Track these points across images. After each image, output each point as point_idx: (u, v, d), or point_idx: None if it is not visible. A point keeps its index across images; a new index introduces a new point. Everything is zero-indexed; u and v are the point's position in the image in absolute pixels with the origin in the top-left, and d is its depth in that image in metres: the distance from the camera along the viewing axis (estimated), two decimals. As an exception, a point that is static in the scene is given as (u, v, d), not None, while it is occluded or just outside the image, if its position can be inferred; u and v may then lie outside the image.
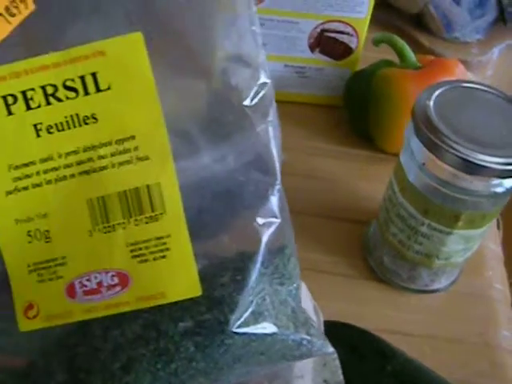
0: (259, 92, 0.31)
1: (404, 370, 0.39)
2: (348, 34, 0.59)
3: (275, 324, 0.31)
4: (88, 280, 0.30)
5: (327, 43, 0.60)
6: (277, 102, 0.51)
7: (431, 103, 0.41)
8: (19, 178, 0.29)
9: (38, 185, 0.29)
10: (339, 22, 0.58)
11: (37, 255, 0.29)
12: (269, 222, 0.31)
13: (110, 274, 0.30)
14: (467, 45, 0.77)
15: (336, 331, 0.41)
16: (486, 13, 0.74)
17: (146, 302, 0.30)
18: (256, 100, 0.31)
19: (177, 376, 0.30)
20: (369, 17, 0.58)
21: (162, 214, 0.29)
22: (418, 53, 0.60)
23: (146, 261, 0.30)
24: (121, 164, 0.29)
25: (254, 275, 0.31)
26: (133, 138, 0.29)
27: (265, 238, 0.31)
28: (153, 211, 0.29)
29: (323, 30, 0.59)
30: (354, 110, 0.62)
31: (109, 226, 0.29)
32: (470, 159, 0.38)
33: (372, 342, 0.41)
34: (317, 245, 0.53)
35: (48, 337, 0.30)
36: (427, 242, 0.45)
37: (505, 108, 0.42)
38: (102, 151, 0.29)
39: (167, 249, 0.30)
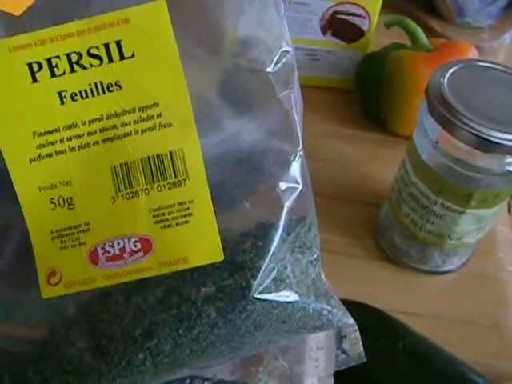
0: (281, 59, 0.31)
1: (417, 347, 0.39)
2: (360, 16, 0.59)
3: (296, 292, 0.31)
4: (111, 246, 0.30)
5: (339, 25, 0.60)
6: None
7: (445, 81, 0.41)
8: (43, 145, 0.29)
9: (62, 152, 0.29)
10: (352, 3, 0.58)
11: (60, 222, 0.30)
12: (291, 188, 0.31)
13: (132, 240, 0.30)
14: (479, 30, 0.76)
15: (348, 310, 0.41)
16: (498, -3, 0.73)
17: (169, 267, 0.30)
18: (278, 66, 0.31)
19: (198, 342, 0.30)
20: (381, -1, 0.57)
21: (185, 179, 0.30)
22: (430, 38, 0.60)
23: (168, 226, 0.30)
24: (144, 131, 0.29)
25: (275, 242, 0.31)
26: (156, 105, 0.29)
27: (287, 204, 0.31)
28: (176, 177, 0.30)
29: (335, 12, 0.59)
30: (365, 92, 0.61)
31: (132, 192, 0.30)
32: (484, 136, 0.38)
33: (384, 321, 0.41)
34: (328, 226, 0.53)
35: (70, 305, 0.30)
36: (439, 221, 0.45)
37: (518, 85, 0.42)
38: (125, 118, 0.29)
39: (190, 214, 0.30)
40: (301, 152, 0.32)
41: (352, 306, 0.41)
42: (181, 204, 0.30)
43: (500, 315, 0.49)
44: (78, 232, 0.30)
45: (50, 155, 0.29)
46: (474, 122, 0.39)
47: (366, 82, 0.61)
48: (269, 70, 0.31)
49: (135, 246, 0.30)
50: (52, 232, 0.30)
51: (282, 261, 0.31)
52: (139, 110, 0.29)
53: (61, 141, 0.29)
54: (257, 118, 0.31)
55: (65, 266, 0.30)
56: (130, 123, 0.29)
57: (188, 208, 0.30)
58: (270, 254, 0.30)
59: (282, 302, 0.31)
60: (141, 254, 0.30)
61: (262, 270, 0.30)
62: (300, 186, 0.32)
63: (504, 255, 0.54)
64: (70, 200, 0.30)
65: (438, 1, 0.75)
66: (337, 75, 0.64)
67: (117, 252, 0.30)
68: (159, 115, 0.29)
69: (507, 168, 0.40)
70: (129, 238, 0.30)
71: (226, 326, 0.30)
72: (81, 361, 0.29)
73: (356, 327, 0.34)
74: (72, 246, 0.30)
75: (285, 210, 0.31)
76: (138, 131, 0.29)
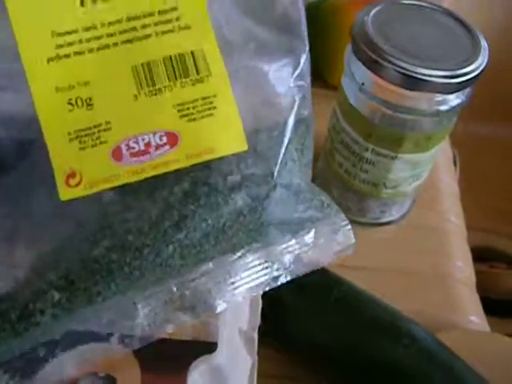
0: None
1: (348, 296, 0.38)
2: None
3: (303, 181, 0.34)
4: (135, 142, 0.30)
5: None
6: None
7: (369, 19, 0.39)
8: (61, 46, 0.29)
9: (81, 53, 0.29)
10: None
11: (78, 122, 0.29)
12: (300, 85, 0.34)
13: (158, 135, 0.30)
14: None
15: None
16: None
17: (196, 158, 0.30)
18: None
19: (224, 232, 0.31)
20: None
21: (207, 76, 0.31)
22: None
23: (193, 119, 0.30)
24: (164, 33, 0.30)
25: (288, 134, 0.33)
26: (175, 9, 0.30)
27: (297, 98, 0.34)
28: (198, 74, 0.31)
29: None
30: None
31: (155, 90, 0.30)
32: (410, 74, 0.37)
33: (315, 270, 0.39)
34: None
35: (92, 206, 0.29)
36: (372, 168, 0.43)
37: (446, 23, 0.41)
38: (145, 21, 0.30)
39: (214, 107, 0.31)
40: (307, 52, 0.35)
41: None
42: (204, 99, 0.31)
43: (442, 265, 0.48)
44: (98, 131, 0.29)
45: (68, 56, 0.29)
46: (399, 60, 0.37)
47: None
48: None
49: (161, 140, 0.30)
50: (70, 133, 0.29)
51: (291, 154, 0.33)
52: (158, 14, 0.30)
53: (79, 42, 0.29)
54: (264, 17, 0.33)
55: (85, 167, 0.29)
56: (149, 25, 0.30)
57: (212, 102, 0.31)
58: (286, 143, 0.33)
59: (293, 187, 0.33)
60: (167, 147, 0.30)
61: (280, 159, 0.32)
62: (307, 84, 0.35)
63: (448, 206, 0.53)
64: (88, 100, 0.29)
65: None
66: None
67: (142, 147, 0.30)
68: (178, 18, 0.30)
69: (436, 107, 0.39)
70: (154, 133, 0.30)
71: (250, 214, 0.31)
72: (108, 258, 0.29)
73: (347, 222, 0.36)
74: (93, 146, 0.29)
75: (295, 108, 0.33)
76: (158, 33, 0.30)
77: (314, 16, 0.56)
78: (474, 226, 0.58)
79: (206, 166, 0.31)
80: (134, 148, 0.30)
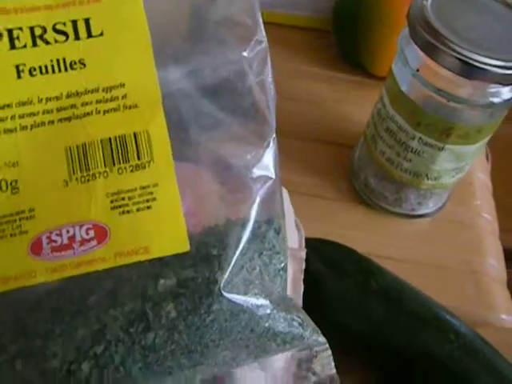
0: (255, 47, 0.30)
1: (390, 287, 0.37)
2: None
3: (266, 297, 0.28)
4: (58, 235, 0.26)
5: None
6: (267, 23, 0.48)
7: (428, 3, 0.38)
8: None
9: (12, 130, 0.27)
10: None
11: (0, 208, 0.26)
12: (263, 177, 0.29)
13: (85, 228, 0.27)
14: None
15: (316, 246, 0.39)
16: None
17: (126, 257, 0.27)
18: (252, 53, 0.30)
19: (155, 350, 0.26)
20: None
21: (149, 161, 0.27)
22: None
23: (128, 212, 0.27)
24: (107, 111, 0.27)
25: (245, 236, 0.28)
26: (122, 85, 0.28)
27: (259, 196, 0.29)
28: (139, 159, 0.27)
29: None
30: (342, 32, 0.58)
31: (88, 175, 0.27)
32: (469, 61, 0.36)
33: (356, 258, 0.38)
34: (302, 168, 0.51)
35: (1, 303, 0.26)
36: (417, 158, 0.42)
37: (505, 14, 0.40)
38: (87, 98, 0.27)
39: (153, 199, 0.27)
40: (274, 140, 0.30)
41: (320, 243, 0.38)
42: (144, 188, 0.27)
43: (475, 261, 0.48)
44: (20, 219, 0.26)
45: None
46: (459, 46, 0.36)
47: (342, 21, 0.57)
48: (244, 54, 0.30)
49: (87, 234, 0.26)
50: None
51: (251, 261, 0.28)
52: (103, 90, 0.27)
53: (12, 118, 0.27)
54: (230, 104, 0.30)
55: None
56: (91, 103, 0.27)
57: (151, 192, 0.27)
58: (240, 248, 0.28)
59: (250, 306, 0.27)
60: (94, 242, 0.26)
61: (231, 264, 0.27)
62: (273, 176, 0.29)
63: (481, 202, 0.53)
64: (14, 183, 0.26)
65: None
66: (313, 14, 0.61)
67: (65, 241, 0.26)
68: (124, 96, 0.28)
69: (491, 99, 0.38)
70: (80, 226, 0.26)
71: (187, 330, 0.26)
72: (12, 369, 0.25)
73: (327, 346, 0.30)
74: (11, 235, 0.26)
75: (257, 201, 0.28)
76: (99, 111, 0.27)
77: (357, 4, 0.55)
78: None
79: (136, 264, 0.27)
80: (55, 241, 0.26)
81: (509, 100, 0.39)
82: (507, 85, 0.37)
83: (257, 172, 0.29)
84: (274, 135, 0.30)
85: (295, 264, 0.35)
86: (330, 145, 0.53)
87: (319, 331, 0.30)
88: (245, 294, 0.27)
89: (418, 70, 0.39)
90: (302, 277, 0.35)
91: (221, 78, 0.30)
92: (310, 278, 0.36)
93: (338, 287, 0.37)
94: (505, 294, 0.47)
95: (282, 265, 0.30)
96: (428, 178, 0.44)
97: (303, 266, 0.36)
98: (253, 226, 0.28)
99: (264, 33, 0.30)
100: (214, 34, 0.30)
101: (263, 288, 0.28)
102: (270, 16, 0.60)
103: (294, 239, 0.36)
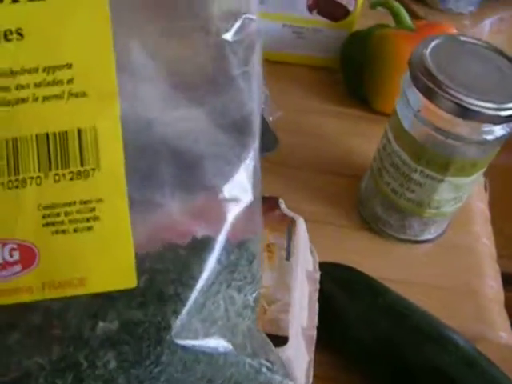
0: (243, 28, 0.25)
1: (395, 304, 0.41)
2: (346, -5, 0.60)
3: (230, 341, 0.24)
4: None
5: (326, 4, 0.61)
6: (274, 62, 0.52)
7: (427, 52, 0.43)
8: None
9: None
10: (338, -18, 0.59)
11: None
12: (238, 198, 0.25)
13: (8, 247, 0.22)
14: (460, 16, 0.78)
15: (329, 269, 0.43)
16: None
17: (57, 290, 0.22)
18: (238, 36, 0.25)
19: None
20: (368, -22, 0.59)
21: (93, 169, 0.22)
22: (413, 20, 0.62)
23: (63, 232, 0.22)
24: (47, 98, 0.22)
25: (209, 267, 0.23)
26: (68, 66, 0.22)
27: (230, 218, 0.24)
28: (82, 165, 0.22)
29: (322, -9, 0.60)
30: (349, 71, 0.63)
31: (17, 180, 0.22)
32: (464, 104, 0.40)
33: (364, 279, 0.43)
34: (312, 198, 0.55)
35: None
36: (419, 189, 0.47)
37: (497, 60, 0.44)
38: (23, 79, 0.22)
39: (95, 218, 0.22)
40: (255, 151, 0.25)
41: (332, 267, 0.43)
42: (85, 203, 0.22)
43: (475, 283, 0.52)
44: None
45: None
46: (455, 91, 0.41)
47: (350, 60, 0.62)
48: (226, 37, 0.24)
49: (11, 256, 0.22)
50: None
51: (215, 296, 0.24)
52: (44, 71, 0.22)
53: None
54: (203, 100, 0.25)
55: None
56: (28, 86, 0.22)
57: (94, 209, 0.22)
58: (202, 283, 0.23)
59: (210, 352, 0.23)
60: (18, 267, 0.22)
61: (188, 305, 0.22)
62: (249, 197, 0.25)
63: (480, 228, 0.57)
64: None
65: (422, -14, 0.77)
66: (322, 53, 0.65)
67: None
68: (70, 81, 0.22)
69: (484, 136, 0.42)
70: (3, 244, 0.22)
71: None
72: None
73: None
74: None
75: (226, 225, 0.24)
76: (37, 98, 0.22)
77: (363, 44, 0.59)
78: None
79: (68, 299, 0.22)
80: None
81: (501, 137, 0.43)
82: (499, 124, 0.42)
83: (230, 191, 0.24)
84: (256, 144, 0.25)
85: (311, 285, 0.39)
86: (338, 176, 0.57)
87: (290, 374, 0.27)
88: (204, 337, 0.23)
89: (418, 111, 0.43)
90: (317, 296, 0.40)
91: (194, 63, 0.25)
92: (324, 298, 0.40)
93: (348, 305, 0.41)
94: (502, 313, 0.51)
95: (254, 295, 0.26)
96: (430, 207, 0.48)
97: (318, 287, 0.40)
98: (220, 253, 0.24)
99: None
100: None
101: (227, 328, 0.24)
102: (281, 56, 0.65)
103: (309, 262, 0.40)
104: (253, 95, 0.25)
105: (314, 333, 0.37)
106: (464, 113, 0.41)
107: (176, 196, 0.24)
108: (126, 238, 0.23)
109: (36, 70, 0.22)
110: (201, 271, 0.23)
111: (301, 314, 0.37)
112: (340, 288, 0.42)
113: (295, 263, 0.36)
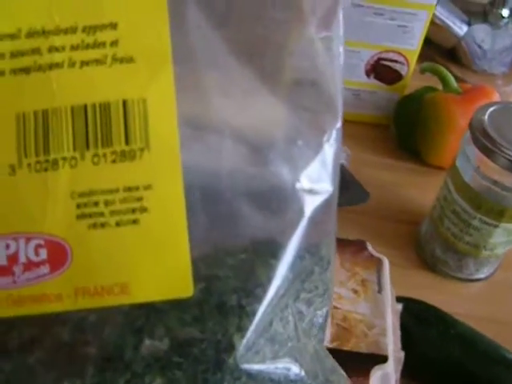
0: None
1: (465, 334, 0.48)
2: (400, 62, 0.69)
3: (301, 366, 0.20)
4: None
5: (382, 70, 0.70)
6: None
7: (486, 117, 0.51)
8: None
9: None
10: (394, 52, 0.68)
11: None
12: (317, 190, 0.21)
13: (33, 243, 0.18)
14: (493, 76, 0.87)
15: (405, 303, 0.50)
16: (511, 49, 0.84)
17: (93, 298, 0.18)
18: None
19: None
20: (419, 48, 0.67)
21: (142, 149, 0.18)
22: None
23: (102, 226, 0.18)
24: (85, 63, 0.19)
25: (280, 274, 0.19)
26: (113, 26, 0.19)
27: (308, 213, 0.20)
28: (127, 143, 0.18)
29: (380, 59, 0.69)
30: (402, 127, 0.71)
31: (47, 161, 0.18)
32: (518, 161, 0.48)
33: (437, 312, 0.49)
34: (375, 242, 0.62)
35: None
36: (477, 234, 0.54)
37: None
38: (57, 40, 0.19)
39: (143, 208, 0.18)
40: (338, 134, 0.22)
41: (409, 301, 0.49)
42: (130, 190, 0.18)
43: (525, 317, 0.58)
44: None
45: None
46: (509, 150, 0.48)
47: (403, 119, 0.70)
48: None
49: (36, 255, 0.18)
50: None
51: (283, 311, 0.20)
52: (83, 31, 0.19)
53: None
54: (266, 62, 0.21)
55: None
56: (63, 49, 0.19)
57: (141, 198, 0.18)
58: (272, 293, 0.19)
59: (278, 381, 0.19)
60: (45, 269, 0.18)
61: (256, 320, 0.18)
62: (330, 189, 0.21)
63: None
64: None
65: (459, 50, 0.86)
66: (376, 112, 0.74)
67: (2, 262, 0.18)
68: (115, 43, 0.19)
69: (535, 189, 0.50)
70: (27, 239, 0.18)
71: None
72: None
73: None
74: None
75: (304, 222, 0.20)
76: (74, 63, 0.19)
77: (415, 105, 0.68)
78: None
79: (106, 309, 0.18)
80: None
81: (549, 189, 0.50)
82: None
83: (306, 180, 0.21)
84: (339, 125, 0.22)
85: (394, 315, 0.46)
86: (396, 222, 0.65)
87: None
88: (271, 361, 0.19)
89: (478, 167, 0.51)
90: (399, 325, 0.46)
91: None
92: (401, 328, 0.47)
93: (423, 334, 0.48)
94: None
95: (324, 311, 0.22)
96: (485, 249, 0.55)
97: (399, 317, 0.47)
98: (294, 258, 0.20)
99: None
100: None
101: (297, 352, 0.20)
102: (340, 115, 0.73)
103: (392, 296, 0.47)
104: (335, 58, 0.22)
105: (402, 355, 0.43)
106: (517, 169, 0.48)
107: (241, 184, 0.19)
108: (181, 235, 0.18)
109: (74, 29, 0.18)
110: (270, 279, 0.19)
111: (392, 339, 0.43)
112: (414, 319, 0.49)
113: (386, 296, 0.43)
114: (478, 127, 0.50)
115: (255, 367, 0.18)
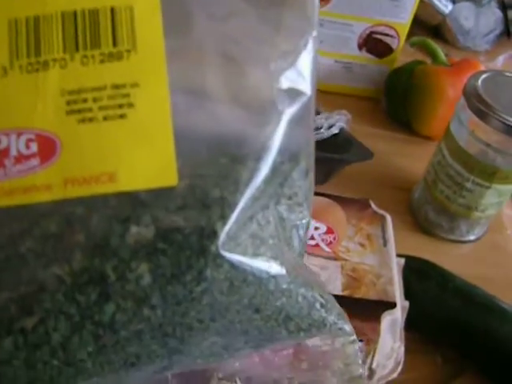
0: None
1: (463, 287, 0.51)
2: (391, 36, 0.71)
3: (282, 264, 0.20)
4: None
5: (373, 43, 0.72)
6: (325, 92, 0.61)
7: (479, 83, 0.53)
8: None
9: None
10: (386, 25, 0.70)
11: None
12: (295, 91, 0.21)
13: (23, 137, 0.18)
14: (477, 53, 0.90)
15: (405, 260, 0.52)
16: (494, 27, 0.87)
17: (82, 187, 0.18)
18: None
19: (113, 329, 0.17)
20: (410, 22, 0.70)
21: (129, 51, 0.19)
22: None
23: (90, 120, 0.19)
24: None
25: (261, 172, 0.20)
26: None
27: (286, 114, 0.20)
28: (115, 45, 0.19)
29: (372, 32, 0.71)
30: (393, 99, 0.74)
31: (38, 62, 0.19)
32: (510, 123, 0.51)
33: (435, 267, 0.52)
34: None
35: None
36: (470, 195, 0.57)
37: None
38: None
39: (130, 104, 0.19)
40: (315, 40, 0.22)
41: (409, 258, 0.52)
42: (117, 87, 0.19)
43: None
44: None
45: None
46: (503, 113, 0.51)
47: (394, 91, 0.73)
48: None
49: (27, 148, 0.19)
50: None
51: (264, 210, 0.20)
52: None
53: None
54: None
55: None
56: None
57: (128, 94, 0.19)
58: (251, 189, 0.20)
59: (259, 275, 0.20)
60: (35, 161, 0.19)
61: (236, 211, 0.19)
62: (309, 93, 0.22)
63: (511, 232, 0.67)
64: None
65: (444, 28, 0.89)
66: (369, 85, 0.76)
67: None
68: None
69: (526, 151, 0.53)
70: (18, 134, 0.18)
71: (164, 305, 0.18)
72: None
73: (355, 338, 0.24)
74: None
75: (282, 123, 0.20)
76: None
77: (406, 77, 0.70)
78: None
79: (94, 199, 0.18)
80: None
81: (539, 151, 0.53)
82: (538, 140, 0.52)
83: (285, 82, 0.21)
84: (315, 33, 0.22)
85: (398, 270, 0.49)
86: (390, 188, 0.67)
87: (346, 317, 0.24)
88: (253, 255, 0.19)
89: (473, 131, 0.53)
90: (402, 278, 0.49)
91: None
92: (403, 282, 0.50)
93: (423, 288, 0.51)
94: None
95: (304, 221, 0.22)
96: (477, 210, 0.58)
97: (401, 270, 0.49)
98: (273, 159, 0.20)
99: None
100: None
101: (278, 251, 0.20)
102: (332, 87, 0.75)
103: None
104: None
105: (406, 304, 0.46)
106: (509, 131, 0.51)
107: (224, 82, 0.20)
108: (166, 128, 0.19)
109: None
110: (250, 175, 0.20)
111: (398, 288, 0.46)
112: (415, 274, 0.51)
113: (391, 249, 0.46)
114: (473, 92, 0.53)
115: (236, 257, 0.19)
